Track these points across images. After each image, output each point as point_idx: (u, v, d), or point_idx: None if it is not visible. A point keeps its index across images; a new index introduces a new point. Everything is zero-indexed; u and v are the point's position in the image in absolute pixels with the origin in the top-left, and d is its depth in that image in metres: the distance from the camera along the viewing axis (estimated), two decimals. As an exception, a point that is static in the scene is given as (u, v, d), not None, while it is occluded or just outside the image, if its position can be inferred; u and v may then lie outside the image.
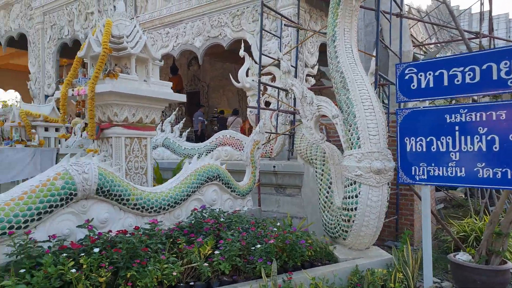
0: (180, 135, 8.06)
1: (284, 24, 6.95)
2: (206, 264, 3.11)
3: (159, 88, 4.68)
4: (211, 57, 12.43)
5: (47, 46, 12.85)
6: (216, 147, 7.22)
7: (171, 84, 4.88)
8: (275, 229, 3.69)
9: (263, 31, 6.47)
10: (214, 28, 9.04)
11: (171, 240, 3.45)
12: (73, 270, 2.61)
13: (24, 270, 2.61)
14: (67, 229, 3.17)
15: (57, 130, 5.99)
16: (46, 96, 12.51)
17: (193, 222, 3.87)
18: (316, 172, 4.81)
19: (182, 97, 4.96)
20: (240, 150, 6.75)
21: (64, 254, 2.75)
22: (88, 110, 4.21)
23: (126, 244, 2.97)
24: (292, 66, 6.61)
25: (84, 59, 4.62)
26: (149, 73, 4.62)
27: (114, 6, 10.47)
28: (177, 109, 9.13)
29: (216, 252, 3.24)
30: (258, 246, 3.30)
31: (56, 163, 4.45)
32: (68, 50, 13.92)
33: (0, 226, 2.77)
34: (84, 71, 4.54)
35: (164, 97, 4.68)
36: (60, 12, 12.37)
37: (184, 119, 9.32)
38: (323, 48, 8.63)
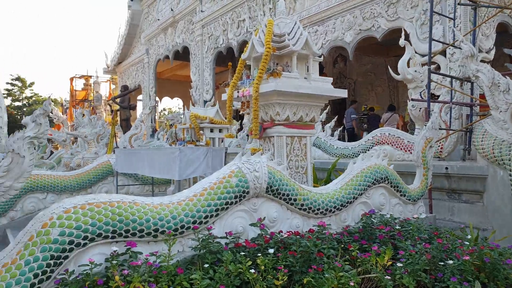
0: (332, 134, 7.80)
1: (458, 3, 6.02)
2: (387, 277, 2.75)
3: (320, 84, 4.49)
4: (358, 52, 11.85)
5: (205, 56, 14.12)
6: (372, 146, 6.73)
7: (331, 79, 4.66)
8: (467, 242, 3.09)
9: (429, 14, 5.72)
10: (366, 20, 8.52)
11: (342, 246, 3.20)
12: (252, 270, 2.57)
13: (208, 265, 2.69)
14: (240, 227, 3.21)
15: (220, 131, 6.39)
16: (205, 101, 13.74)
17: (362, 227, 3.55)
18: (510, 176, 3.94)
19: (343, 93, 4.68)
20: (401, 149, 6.12)
21: (242, 253, 2.74)
22: (252, 110, 4.29)
23: (300, 247, 2.83)
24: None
25: (246, 61, 4.76)
26: (309, 70, 4.48)
27: (270, 8, 10.82)
28: (328, 107, 8.89)
29: (399, 264, 2.85)
30: (450, 262, 2.79)
31: (224, 161, 4.68)
32: (223, 57, 15.15)
33: (186, 220, 2.93)
34: (248, 73, 4.66)
35: (325, 94, 4.48)
36: (216, 23, 13.47)
37: (336, 117, 9.04)
38: (501, 28, 7.27)
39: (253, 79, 4.41)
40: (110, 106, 13.20)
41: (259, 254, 2.73)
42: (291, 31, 4.41)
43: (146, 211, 2.81)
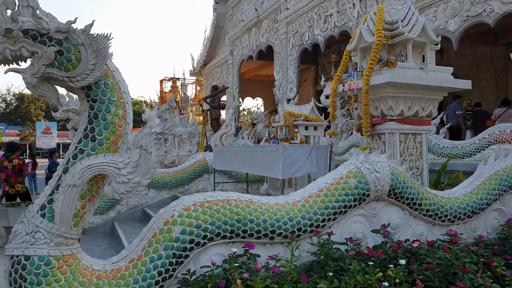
0: (437, 132, 7.10)
1: None
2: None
3: (438, 74, 4.00)
4: (458, 43, 10.74)
5: (290, 54, 13.93)
6: (488, 145, 5.95)
7: (451, 69, 4.13)
8: None
9: None
10: (476, 5, 7.60)
11: (482, 260, 2.74)
12: (386, 283, 2.27)
13: (331, 273, 2.44)
14: (360, 233, 2.92)
15: (315, 128, 6.12)
16: (288, 100, 13.55)
17: (503, 239, 3.04)
18: None
19: (467, 84, 4.13)
20: (527, 149, 5.29)
21: (370, 262, 2.45)
22: (362, 105, 3.95)
23: (437, 259, 2.46)
24: None
25: (352, 52, 4.44)
26: (426, 59, 4.01)
27: (360, 1, 10.30)
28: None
29: None
30: None
31: (329, 160, 4.41)
32: (307, 55, 14.76)
33: (303, 223, 2.72)
34: (354, 65, 4.33)
35: (445, 85, 3.98)
36: (301, 20, 13.20)
37: (443, 113, 8.25)
38: None
39: (361, 71, 4.08)
40: (201, 106, 13.60)
41: (391, 265, 2.41)
42: (405, 17, 3.99)
43: (262, 211, 2.66)
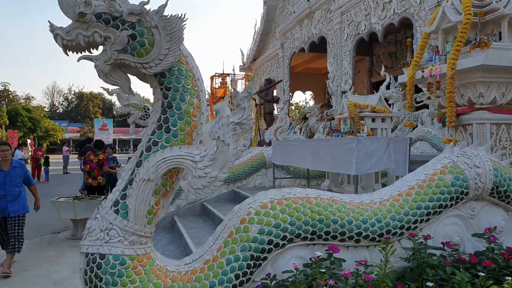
0: None
1: None
2: None
3: (538, 56, 3.47)
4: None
5: (344, 44, 13.37)
6: None
7: (554, 49, 3.57)
8: None
9: None
10: None
11: None
12: (505, 300, 1.90)
13: (431, 283, 2.11)
14: (457, 236, 2.55)
15: (383, 120, 5.69)
16: (343, 92, 13.05)
17: None
18: None
19: None
20: None
21: (481, 273, 2.08)
22: (446, 93, 3.52)
23: None
24: None
25: (431, 35, 4.00)
26: (524, 38, 3.50)
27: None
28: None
29: None
30: None
31: (408, 155, 4.02)
32: (361, 45, 14.06)
33: (392, 225, 2.40)
34: (435, 49, 3.89)
35: (548, 68, 3.44)
36: (356, 9, 12.61)
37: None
38: None
39: (445, 55, 3.64)
40: (255, 100, 13.39)
41: (508, 278, 2.03)
42: (498, -9, 3.50)
43: (347, 210, 2.37)
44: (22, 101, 47.50)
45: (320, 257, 2.20)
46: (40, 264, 5.09)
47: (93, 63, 1.99)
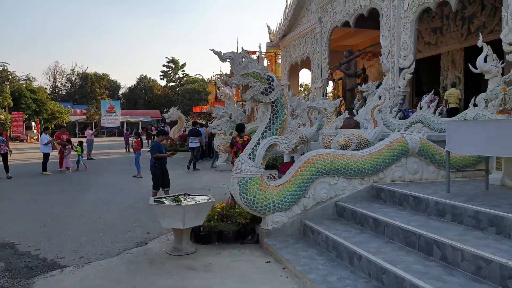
0: None
1: None
2: None
3: None
4: None
5: (404, 16, 11.97)
6: None
7: None
8: None
9: None
10: None
11: None
12: None
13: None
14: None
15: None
16: (401, 69, 11.87)
17: None
18: None
19: None
20: None
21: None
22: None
23: None
24: None
25: None
26: None
27: None
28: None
29: None
30: None
31: None
32: (427, 15, 13.24)
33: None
34: None
35: None
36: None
37: None
38: None
39: None
40: (332, 74, 11.67)
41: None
42: None
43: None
44: (22, 82, 43.96)
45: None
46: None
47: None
